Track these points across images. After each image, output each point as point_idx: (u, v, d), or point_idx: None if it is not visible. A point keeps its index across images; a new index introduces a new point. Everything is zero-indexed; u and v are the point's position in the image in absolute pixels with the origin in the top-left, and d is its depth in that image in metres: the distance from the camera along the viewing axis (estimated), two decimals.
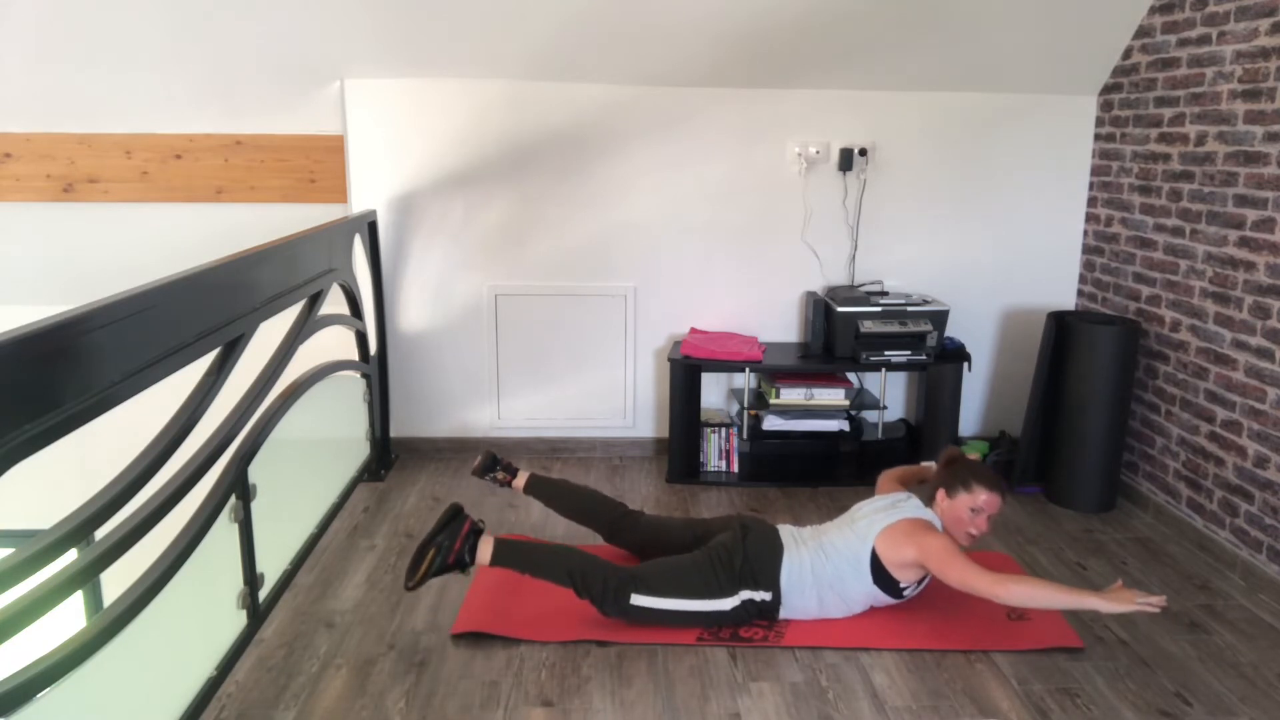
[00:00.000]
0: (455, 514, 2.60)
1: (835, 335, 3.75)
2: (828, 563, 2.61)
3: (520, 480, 3.07)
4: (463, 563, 2.55)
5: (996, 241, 4.02)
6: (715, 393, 4.12)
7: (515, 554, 2.62)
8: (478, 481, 3.15)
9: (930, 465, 2.96)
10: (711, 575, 2.58)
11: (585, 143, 3.85)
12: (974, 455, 2.79)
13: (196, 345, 2.00)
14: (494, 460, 3.07)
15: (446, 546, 2.53)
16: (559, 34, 3.54)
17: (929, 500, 2.71)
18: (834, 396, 3.81)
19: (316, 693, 2.34)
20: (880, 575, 2.59)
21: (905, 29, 3.54)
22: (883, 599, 2.64)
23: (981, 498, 2.60)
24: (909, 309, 3.73)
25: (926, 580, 2.68)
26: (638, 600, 2.55)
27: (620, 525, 2.94)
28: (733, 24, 3.48)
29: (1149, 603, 2.27)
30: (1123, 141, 3.73)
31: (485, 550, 2.58)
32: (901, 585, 2.61)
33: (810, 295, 3.92)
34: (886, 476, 2.98)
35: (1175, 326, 3.39)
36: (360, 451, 3.66)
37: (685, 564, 2.61)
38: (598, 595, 2.55)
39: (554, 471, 3.90)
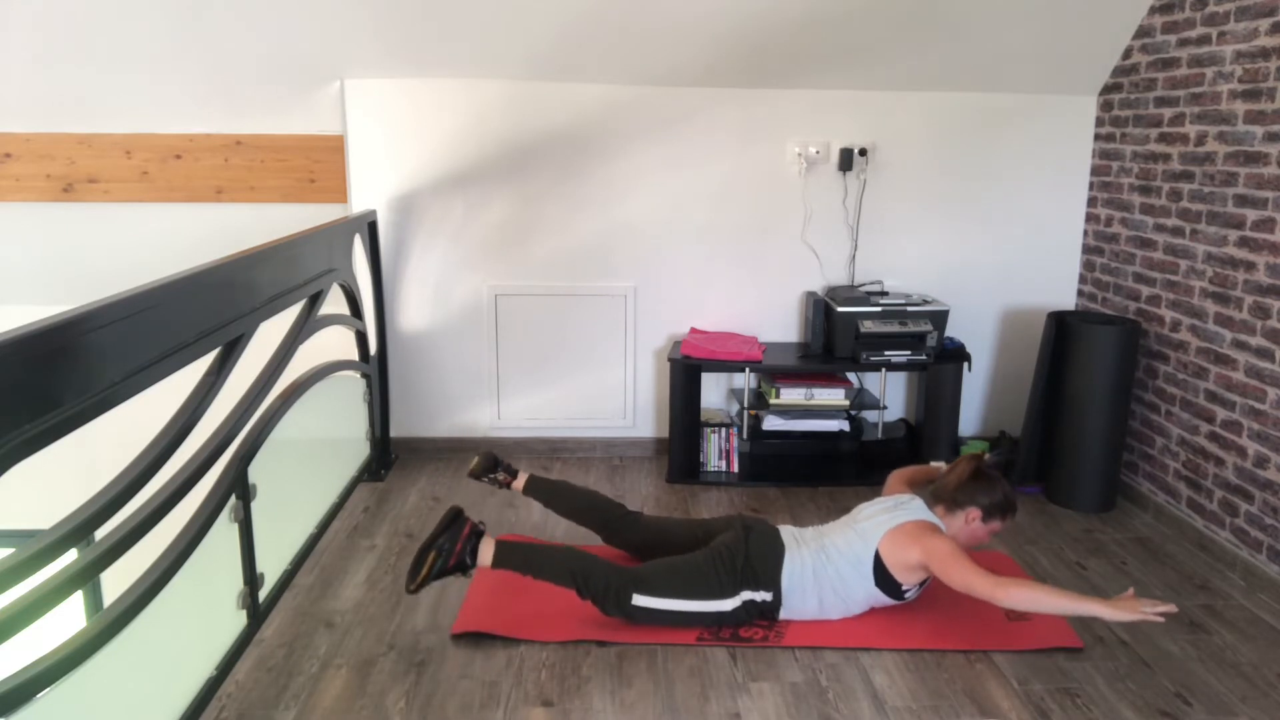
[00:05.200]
0: (455, 516, 2.59)
1: (835, 335, 3.75)
2: (829, 564, 2.61)
3: (519, 481, 3.07)
4: (464, 565, 2.54)
5: (996, 241, 4.02)
6: (715, 393, 4.12)
7: (516, 555, 2.61)
8: (477, 482, 3.15)
9: (940, 465, 2.95)
10: (713, 575, 2.58)
11: (585, 143, 3.85)
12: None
13: (196, 345, 2.00)
14: (494, 461, 3.07)
15: (447, 549, 2.53)
16: (559, 34, 3.54)
17: (945, 506, 2.70)
18: (834, 396, 3.81)
19: (316, 693, 2.34)
20: (882, 577, 2.59)
21: (905, 29, 3.54)
22: (883, 600, 2.64)
23: (995, 524, 2.67)
24: (909, 309, 3.73)
25: (927, 582, 2.68)
26: (639, 600, 2.55)
27: (619, 526, 2.94)
28: (733, 24, 3.48)
29: (1157, 612, 2.24)
30: (1123, 141, 3.73)
31: (486, 552, 2.58)
32: (904, 587, 2.61)
33: (810, 295, 3.92)
34: (896, 477, 2.97)
35: (1175, 326, 3.39)
36: (360, 451, 3.66)
37: (687, 564, 2.61)
38: (599, 595, 2.55)
39: (554, 471, 3.90)
